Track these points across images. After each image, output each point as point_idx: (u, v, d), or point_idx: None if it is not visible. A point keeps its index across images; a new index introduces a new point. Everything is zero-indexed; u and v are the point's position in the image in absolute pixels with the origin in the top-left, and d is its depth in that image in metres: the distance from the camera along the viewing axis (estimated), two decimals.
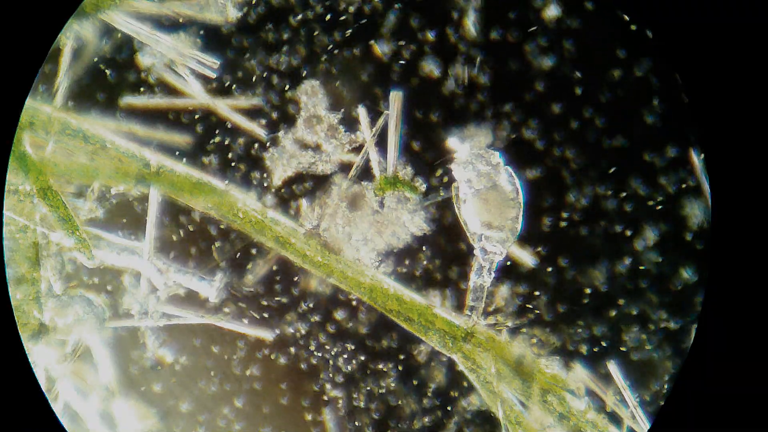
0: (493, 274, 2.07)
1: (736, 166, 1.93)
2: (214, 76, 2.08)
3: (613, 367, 2.10)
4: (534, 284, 2.13)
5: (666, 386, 2.10)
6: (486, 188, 2.04)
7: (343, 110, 2.08)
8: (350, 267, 2.08)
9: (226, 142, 2.12)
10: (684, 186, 2.10)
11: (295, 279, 2.14)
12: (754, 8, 1.95)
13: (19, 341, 1.95)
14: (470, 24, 2.07)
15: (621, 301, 2.13)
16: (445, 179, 2.10)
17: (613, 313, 2.14)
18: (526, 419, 2.07)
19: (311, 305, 2.16)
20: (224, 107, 2.10)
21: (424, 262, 2.13)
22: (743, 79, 1.94)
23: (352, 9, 2.09)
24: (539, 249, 2.12)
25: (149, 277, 2.09)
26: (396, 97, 2.07)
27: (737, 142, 1.94)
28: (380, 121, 2.06)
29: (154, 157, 2.07)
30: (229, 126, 2.12)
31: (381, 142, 2.07)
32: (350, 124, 2.08)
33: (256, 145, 2.11)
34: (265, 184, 2.10)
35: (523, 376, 2.08)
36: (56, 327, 2.07)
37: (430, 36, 2.08)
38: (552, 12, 2.07)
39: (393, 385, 2.18)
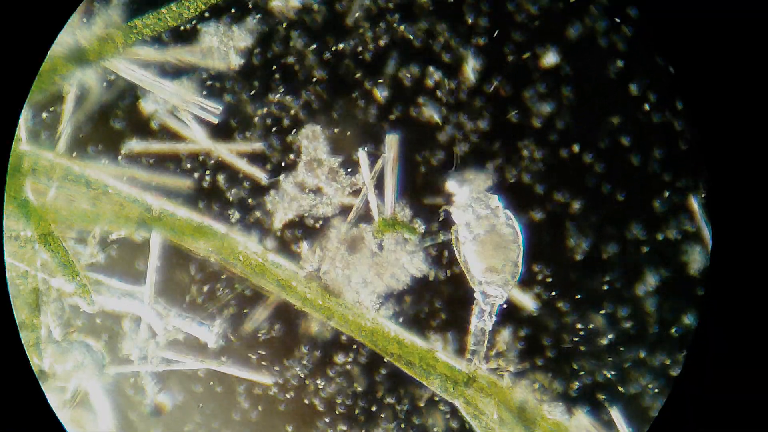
0: (494, 318, 2.06)
1: (733, 174, 1.94)
2: (216, 121, 2.10)
3: (615, 414, 2.09)
4: (535, 328, 2.12)
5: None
6: (485, 232, 2.04)
7: (343, 154, 2.09)
8: (351, 310, 2.07)
9: (228, 187, 2.12)
10: (684, 229, 2.11)
11: (299, 322, 2.14)
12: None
13: (33, 383, 1.94)
14: (470, 70, 2.10)
15: (624, 346, 2.13)
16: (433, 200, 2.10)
17: (616, 357, 2.12)
18: None
19: (311, 348, 2.15)
20: (226, 152, 2.11)
21: (425, 305, 2.12)
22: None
23: (351, 51, 2.11)
24: (540, 292, 2.12)
25: (149, 322, 2.09)
26: (392, 140, 2.07)
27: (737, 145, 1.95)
28: (378, 164, 2.07)
29: (156, 202, 2.07)
30: (230, 170, 2.12)
31: (380, 184, 2.07)
32: (351, 167, 2.09)
33: (258, 189, 2.11)
34: (266, 227, 2.10)
35: (526, 423, 2.06)
36: (55, 373, 2.06)
37: (430, 81, 2.10)
38: (551, 59, 2.09)
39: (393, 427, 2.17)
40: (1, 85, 1.90)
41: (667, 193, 2.10)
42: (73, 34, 2.02)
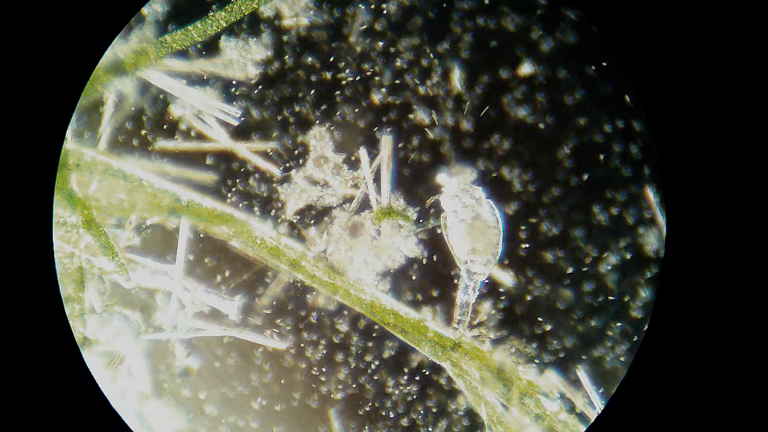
0: (477, 292, 2.09)
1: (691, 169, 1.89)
2: (236, 123, 2.11)
3: (581, 374, 2.14)
4: (512, 301, 2.14)
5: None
6: (470, 218, 2.06)
7: (346, 152, 2.10)
8: (353, 286, 2.09)
9: (246, 180, 2.14)
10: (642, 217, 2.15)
11: (307, 297, 2.16)
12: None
13: (74, 349, 1.96)
14: (456, 79, 2.12)
15: (589, 317, 2.17)
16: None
17: (582, 326, 2.17)
18: (506, 419, 2.08)
19: (318, 318, 2.17)
20: (244, 149, 2.12)
21: (417, 282, 2.14)
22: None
23: (350, 68, 2.13)
24: (516, 271, 2.16)
25: (179, 296, 2.11)
26: (387, 140, 2.08)
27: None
28: (375, 161, 2.07)
29: (185, 193, 2.09)
30: (248, 166, 2.14)
31: (377, 178, 2.08)
32: (353, 163, 2.10)
33: (272, 182, 2.14)
34: (280, 215, 2.12)
35: (504, 381, 2.09)
36: (98, 340, 2.08)
37: (422, 90, 2.11)
38: (526, 69, 2.11)
39: (389, 387, 2.21)
40: (52, 94, 1.91)
41: (625, 184, 2.13)
42: (112, 48, 2.01)
